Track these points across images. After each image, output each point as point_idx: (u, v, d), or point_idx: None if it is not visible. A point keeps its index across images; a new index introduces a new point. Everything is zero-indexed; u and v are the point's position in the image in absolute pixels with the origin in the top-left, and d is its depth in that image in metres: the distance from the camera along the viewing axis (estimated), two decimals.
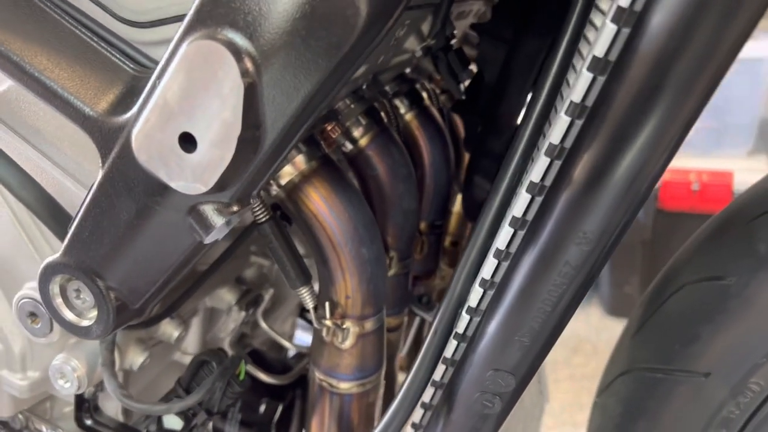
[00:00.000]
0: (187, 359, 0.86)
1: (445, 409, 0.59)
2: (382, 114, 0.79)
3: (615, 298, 3.00)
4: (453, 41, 0.83)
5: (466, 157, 1.04)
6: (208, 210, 0.46)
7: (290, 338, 1.23)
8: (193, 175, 0.43)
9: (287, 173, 0.63)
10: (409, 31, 0.70)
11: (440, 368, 0.59)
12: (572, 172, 0.43)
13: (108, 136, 0.46)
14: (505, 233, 0.49)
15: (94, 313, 0.53)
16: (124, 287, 0.51)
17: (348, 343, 0.68)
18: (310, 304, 0.66)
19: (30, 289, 0.63)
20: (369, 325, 0.69)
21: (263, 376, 0.84)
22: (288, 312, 1.11)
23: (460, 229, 1.09)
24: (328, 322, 0.66)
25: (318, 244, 0.65)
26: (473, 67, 0.86)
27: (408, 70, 0.93)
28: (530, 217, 0.47)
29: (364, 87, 0.78)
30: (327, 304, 0.66)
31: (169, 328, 0.74)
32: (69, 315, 0.54)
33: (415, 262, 0.95)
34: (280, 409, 0.92)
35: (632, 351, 0.77)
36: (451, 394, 0.57)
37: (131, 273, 0.50)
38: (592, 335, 2.96)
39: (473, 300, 0.53)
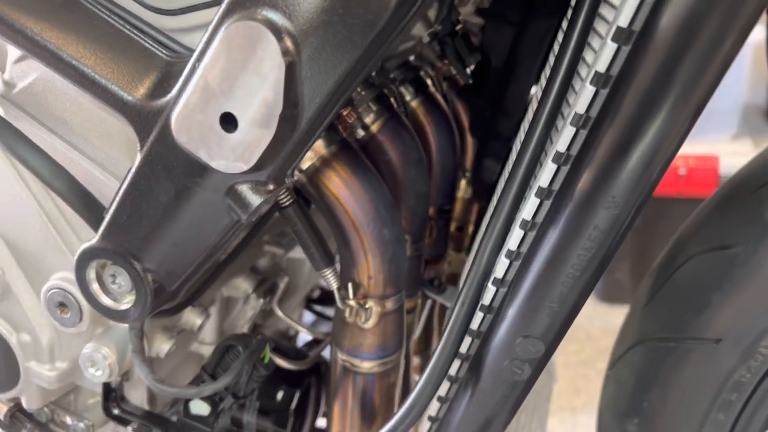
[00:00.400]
0: (204, 349, 0.87)
1: (472, 380, 0.60)
2: (392, 100, 0.81)
3: (607, 285, 3.02)
4: (458, 27, 0.85)
5: (470, 142, 1.06)
6: (246, 190, 0.48)
7: (295, 335, 1.24)
8: (233, 154, 0.45)
9: (308, 158, 0.64)
10: (417, 17, 0.72)
11: (466, 341, 0.60)
12: (600, 140, 0.45)
13: (147, 119, 0.47)
14: (531, 204, 0.51)
15: (130, 298, 0.54)
16: (161, 269, 0.52)
17: (371, 323, 0.70)
18: (334, 285, 0.67)
19: (59, 279, 0.64)
20: (390, 304, 0.70)
21: (282, 362, 0.85)
22: (296, 304, 1.12)
23: (465, 214, 1.10)
24: (351, 302, 0.68)
25: (340, 227, 0.66)
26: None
27: (411, 58, 0.95)
28: (556, 186, 0.49)
29: (373, 74, 0.80)
30: (350, 284, 0.68)
31: (191, 316, 0.75)
32: (106, 300, 0.55)
33: (425, 247, 0.96)
34: (297, 395, 0.94)
35: (643, 322, 0.79)
36: (478, 365, 0.59)
37: (169, 254, 0.51)
38: (585, 322, 2.98)
39: (499, 271, 0.55)
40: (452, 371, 0.63)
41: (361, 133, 0.77)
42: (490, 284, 0.56)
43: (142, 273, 0.52)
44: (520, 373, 0.55)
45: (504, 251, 0.54)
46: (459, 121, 1.07)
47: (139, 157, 0.48)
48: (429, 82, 0.95)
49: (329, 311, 1.23)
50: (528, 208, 0.51)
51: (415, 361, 1.07)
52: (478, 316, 0.58)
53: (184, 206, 0.49)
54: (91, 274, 0.53)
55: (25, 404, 0.72)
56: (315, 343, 1.02)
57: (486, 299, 0.57)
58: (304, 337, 1.12)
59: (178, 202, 0.49)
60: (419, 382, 0.62)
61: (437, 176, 0.94)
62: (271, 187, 0.48)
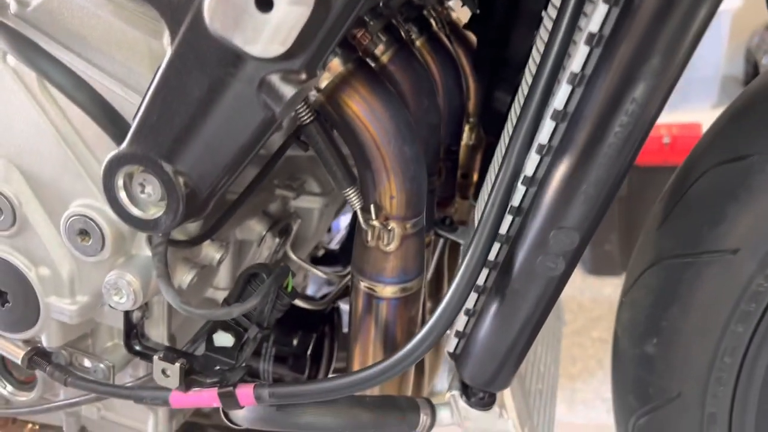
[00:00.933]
0: (219, 295, 0.86)
1: (502, 286, 0.60)
2: (401, 32, 0.81)
3: (595, 257, 3.03)
4: None
5: (473, 88, 1.06)
6: (278, 81, 0.47)
7: (303, 289, 1.23)
8: (270, 36, 0.44)
9: (325, 77, 0.64)
10: None
11: (494, 247, 0.60)
12: (632, 16, 0.45)
13: (178, 9, 0.46)
14: (562, 93, 0.51)
15: (160, 206, 0.54)
16: (193, 172, 0.51)
17: (393, 246, 0.70)
18: (357, 205, 0.67)
19: (79, 206, 0.63)
20: (411, 226, 0.70)
21: (300, 302, 0.85)
22: (305, 256, 1.11)
23: (469, 161, 1.11)
24: (374, 223, 0.68)
25: (361, 146, 0.66)
26: None
27: None
28: (589, 71, 0.49)
29: (380, 4, 0.79)
30: (372, 206, 0.68)
31: (210, 251, 0.74)
32: (135, 210, 0.54)
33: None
34: (313, 339, 0.93)
35: (658, 243, 0.80)
36: (508, 269, 0.59)
37: (202, 155, 0.51)
38: (577, 294, 3.00)
39: (529, 169, 0.55)
40: (479, 281, 0.63)
41: (371, 64, 0.77)
42: (519, 184, 0.56)
43: (173, 176, 0.51)
44: (554, 268, 0.55)
45: (534, 147, 0.54)
46: (461, 66, 1.07)
47: (169, 52, 0.48)
48: (432, 21, 0.95)
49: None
50: (559, 98, 0.51)
51: (428, 305, 1.07)
52: (507, 219, 0.58)
53: (218, 100, 0.48)
54: (120, 181, 0.53)
55: (45, 342, 0.71)
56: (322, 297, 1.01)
57: (515, 200, 0.57)
58: None
59: (211, 96, 0.48)
60: (446, 295, 0.62)
61: (445, 115, 0.94)
62: (303, 76, 0.48)
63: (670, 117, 2.89)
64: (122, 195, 0.53)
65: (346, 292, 1.03)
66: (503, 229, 0.59)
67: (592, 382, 2.25)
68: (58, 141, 0.62)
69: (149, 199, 0.54)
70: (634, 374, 0.83)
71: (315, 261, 1.24)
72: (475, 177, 1.12)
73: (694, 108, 3.13)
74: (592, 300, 2.90)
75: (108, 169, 0.53)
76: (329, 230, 1.34)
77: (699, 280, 0.74)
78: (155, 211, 0.54)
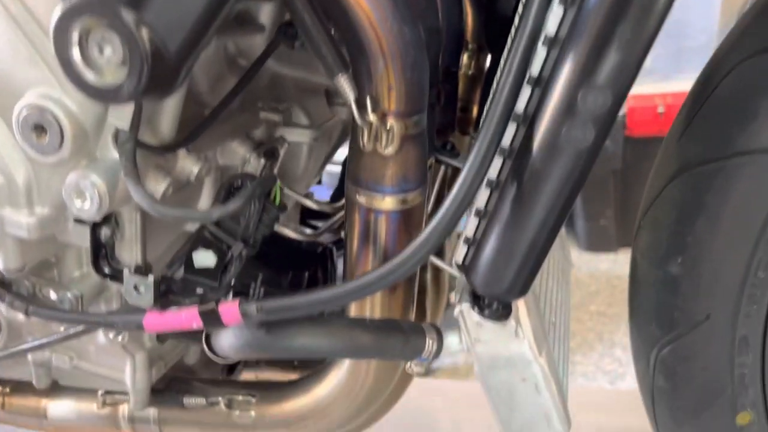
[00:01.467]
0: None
1: (519, 172, 0.53)
2: None
3: (591, 232, 2.98)
4: None
5: (470, 14, 0.99)
6: None
7: None
8: None
9: None
10: None
11: (510, 129, 0.53)
12: None
13: None
14: None
15: (121, 74, 0.46)
16: (158, 23, 0.43)
17: (392, 148, 0.62)
18: (351, 95, 0.59)
19: (33, 96, 0.55)
20: (412, 125, 0.63)
21: (292, 233, 0.78)
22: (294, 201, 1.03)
23: (468, 93, 1.03)
24: (371, 118, 0.60)
25: (354, 28, 0.58)
26: None
27: None
28: None
29: None
30: (368, 99, 0.60)
31: (187, 163, 0.66)
32: (91, 76, 0.46)
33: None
34: (306, 278, 0.86)
35: (680, 153, 0.73)
36: (526, 151, 0.52)
37: (167, 1, 0.43)
38: (573, 270, 2.95)
39: (552, 25, 0.48)
40: (492, 174, 0.56)
41: None
42: (540, 45, 0.49)
43: (135, 28, 0.43)
44: (582, 138, 0.48)
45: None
46: None
47: None
48: None
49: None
50: None
51: None
52: (526, 91, 0.51)
53: None
54: (73, 37, 0.45)
55: (1, 264, 0.63)
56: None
57: (535, 67, 0.50)
58: None
59: None
60: (453, 188, 0.54)
61: (443, 29, 0.86)
62: None
63: (663, 87, 2.84)
64: (75, 53, 0.45)
65: (339, 241, 0.95)
66: (520, 107, 0.52)
67: (592, 355, 2.20)
68: (5, 18, 0.54)
69: (109, 63, 0.46)
70: (657, 300, 0.76)
71: (304, 212, 1.16)
72: (475, 111, 1.05)
73: (688, 77, 3.08)
74: (588, 275, 2.85)
75: (59, 24, 0.45)
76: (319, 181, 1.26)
77: (729, 186, 0.68)
78: (116, 77, 0.46)
